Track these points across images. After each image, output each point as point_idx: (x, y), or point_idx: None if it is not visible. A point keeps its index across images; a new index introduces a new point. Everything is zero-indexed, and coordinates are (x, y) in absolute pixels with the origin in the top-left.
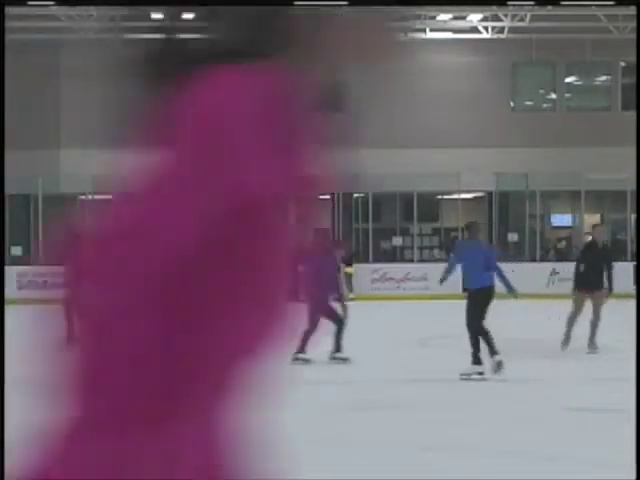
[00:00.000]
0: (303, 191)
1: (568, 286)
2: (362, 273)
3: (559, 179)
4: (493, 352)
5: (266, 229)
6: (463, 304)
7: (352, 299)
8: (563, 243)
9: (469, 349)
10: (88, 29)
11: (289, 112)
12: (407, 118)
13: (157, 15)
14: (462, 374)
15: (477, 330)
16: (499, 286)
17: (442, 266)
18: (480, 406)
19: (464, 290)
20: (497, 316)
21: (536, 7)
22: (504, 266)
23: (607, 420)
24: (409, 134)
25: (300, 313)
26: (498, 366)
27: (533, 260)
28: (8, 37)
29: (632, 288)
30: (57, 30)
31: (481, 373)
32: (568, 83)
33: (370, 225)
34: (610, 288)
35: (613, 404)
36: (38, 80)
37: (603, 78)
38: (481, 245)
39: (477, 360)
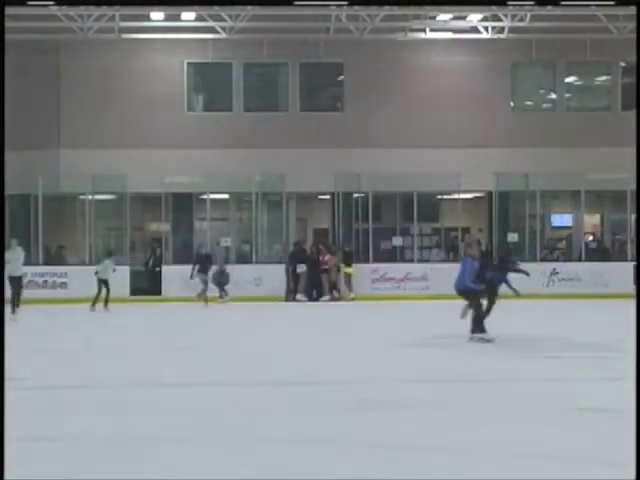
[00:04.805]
0: None
1: (568, 286)
2: (362, 273)
3: (559, 179)
4: None
5: None
6: (463, 304)
7: (352, 299)
8: (563, 243)
9: (469, 349)
10: (88, 29)
11: None
12: (407, 118)
13: (157, 15)
14: None
15: None
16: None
17: (442, 266)
18: (480, 406)
19: None
20: (497, 316)
21: (536, 7)
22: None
23: (607, 420)
24: (409, 134)
25: None
26: None
27: (533, 260)
28: (8, 37)
29: (632, 288)
30: (57, 30)
31: None
32: (568, 83)
33: (370, 225)
34: None
35: (613, 404)
36: (38, 80)
37: (603, 78)
38: None
39: None
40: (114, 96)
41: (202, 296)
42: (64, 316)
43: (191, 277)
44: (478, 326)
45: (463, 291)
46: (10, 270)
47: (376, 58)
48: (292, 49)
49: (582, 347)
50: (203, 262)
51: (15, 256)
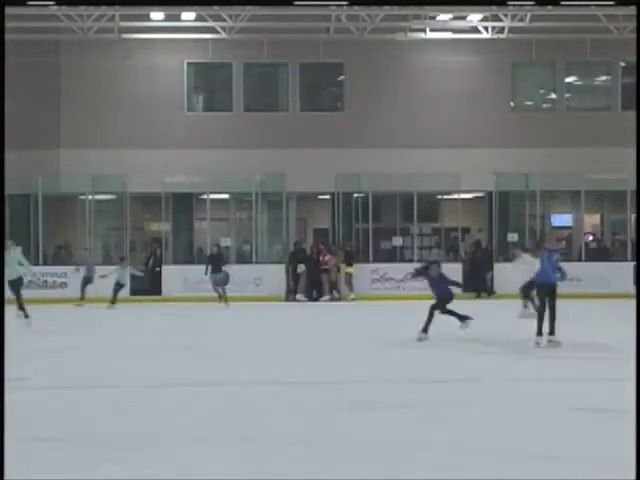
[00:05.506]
0: None
1: (569, 286)
2: (362, 273)
3: (559, 179)
4: None
5: None
6: (463, 304)
7: (352, 299)
8: (563, 243)
9: (469, 349)
10: (88, 29)
11: None
12: (407, 118)
13: (157, 15)
14: None
15: None
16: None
17: (442, 266)
18: (480, 406)
19: None
20: (497, 316)
21: (536, 7)
22: (504, 266)
23: (607, 420)
24: (409, 134)
25: None
26: None
27: None
28: (8, 37)
29: (632, 288)
30: (57, 30)
31: None
32: (568, 83)
33: (370, 225)
34: None
35: (613, 404)
36: (38, 80)
37: (603, 78)
38: None
39: None
40: (114, 96)
41: (223, 297)
42: (64, 316)
43: (205, 273)
44: (554, 326)
45: (553, 285)
46: (7, 274)
47: (376, 58)
48: (292, 49)
49: (582, 347)
50: (215, 261)
51: (10, 259)
